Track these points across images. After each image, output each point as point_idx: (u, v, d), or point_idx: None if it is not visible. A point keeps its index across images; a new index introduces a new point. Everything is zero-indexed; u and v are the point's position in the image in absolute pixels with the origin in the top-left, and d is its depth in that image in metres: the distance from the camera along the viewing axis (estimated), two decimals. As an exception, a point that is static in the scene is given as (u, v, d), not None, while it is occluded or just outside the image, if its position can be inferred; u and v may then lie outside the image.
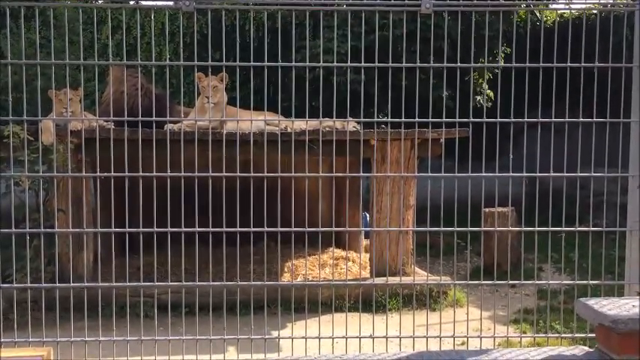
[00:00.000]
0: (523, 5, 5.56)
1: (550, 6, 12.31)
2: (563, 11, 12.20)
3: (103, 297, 4.00)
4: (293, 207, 4.15)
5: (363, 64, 3.84)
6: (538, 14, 11.90)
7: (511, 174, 4.15)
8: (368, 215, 7.55)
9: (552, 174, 3.85)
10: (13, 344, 3.82)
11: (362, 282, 5.38)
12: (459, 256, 6.13)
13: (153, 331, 3.96)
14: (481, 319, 4.30)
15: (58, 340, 3.72)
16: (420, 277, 5.47)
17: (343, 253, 6.97)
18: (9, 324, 4.44)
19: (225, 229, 3.94)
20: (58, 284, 3.68)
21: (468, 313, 4.19)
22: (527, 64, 3.85)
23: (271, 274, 5.25)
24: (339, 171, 4.71)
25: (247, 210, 4.20)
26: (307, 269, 5.93)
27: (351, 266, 6.59)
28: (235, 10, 5.02)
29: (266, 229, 4.03)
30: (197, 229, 3.97)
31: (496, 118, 3.95)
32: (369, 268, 6.52)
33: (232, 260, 4.16)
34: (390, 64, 3.92)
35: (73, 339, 3.76)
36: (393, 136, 4.89)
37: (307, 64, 4.25)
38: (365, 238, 7.80)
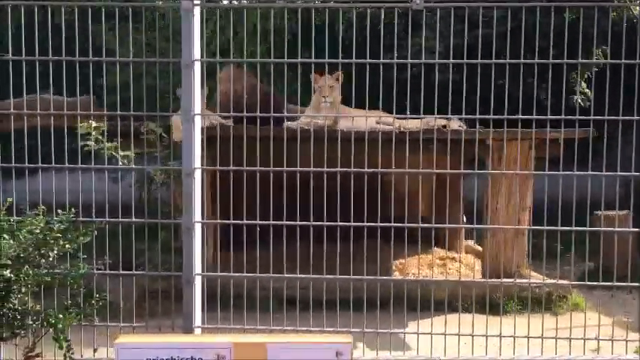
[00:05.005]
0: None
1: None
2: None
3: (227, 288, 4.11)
4: (406, 206, 4.16)
5: (465, 60, 3.83)
6: (635, 11, 11.36)
7: (633, 173, 4.02)
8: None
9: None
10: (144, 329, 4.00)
11: (501, 281, 5.15)
12: (567, 259, 5.95)
13: (281, 323, 4.05)
14: (613, 325, 4.16)
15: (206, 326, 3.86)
16: (539, 279, 5.34)
17: (449, 254, 6.89)
18: (142, 312, 4.63)
19: (345, 223, 3.99)
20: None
21: (599, 319, 4.06)
22: (623, 61, 3.75)
23: (382, 272, 5.24)
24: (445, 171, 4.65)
25: (360, 208, 4.20)
26: (417, 268, 5.92)
27: (458, 267, 6.53)
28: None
29: (381, 224, 4.06)
30: (325, 223, 4.03)
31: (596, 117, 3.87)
32: (477, 268, 6.43)
33: (344, 257, 4.18)
34: (494, 60, 3.89)
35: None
36: (511, 136, 4.80)
37: (425, 60, 4.26)
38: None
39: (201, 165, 3.69)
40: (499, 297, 4.92)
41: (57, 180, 3.95)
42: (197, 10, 3.63)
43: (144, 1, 4.24)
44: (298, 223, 3.99)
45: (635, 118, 3.89)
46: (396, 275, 6.09)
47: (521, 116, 4.00)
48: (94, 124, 4.06)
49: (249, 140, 4.23)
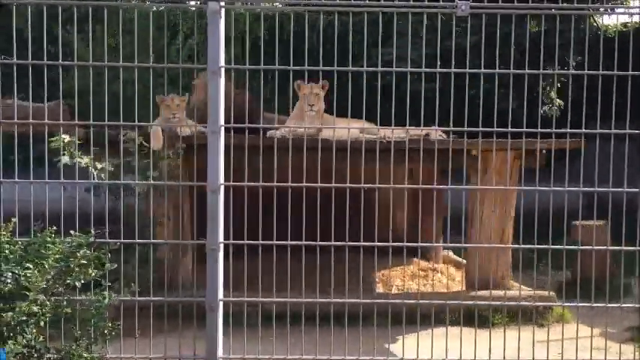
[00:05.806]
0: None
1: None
2: (626, 21, 11.89)
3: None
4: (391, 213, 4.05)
5: (439, 69, 3.81)
6: (596, 22, 11.59)
7: (610, 189, 4.05)
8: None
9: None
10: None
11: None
12: (543, 269, 5.98)
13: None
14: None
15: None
16: (522, 291, 5.32)
17: (428, 264, 6.84)
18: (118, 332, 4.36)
19: (333, 242, 3.87)
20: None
21: (591, 335, 4.03)
22: (601, 72, 3.78)
23: (365, 285, 5.13)
24: (425, 181, 4.55)
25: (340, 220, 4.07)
26: (402, 280, 5.85)
27: (440, 278, 6.50)
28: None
29: (377, 243, 3.95)
30: (318, 242, 3.89)
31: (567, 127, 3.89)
32: (457, 280, 6.40)
33: (322, 271, 4.05)
34: (468, 69, 3.85)
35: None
36: (498, 147, 4.76)
37: (427, 69, 4.17)
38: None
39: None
40: (484, 310, 4.86)
41: (21, 188, 3.67)
42: (224, 13, 3.32)
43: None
44: (305, 242, 3.86)
45: (613, 131, 3.91)
46: (380, 287, 6.01)
47: (507, 129, 3.97)
48: (67, 138, 3.80)
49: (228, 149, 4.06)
